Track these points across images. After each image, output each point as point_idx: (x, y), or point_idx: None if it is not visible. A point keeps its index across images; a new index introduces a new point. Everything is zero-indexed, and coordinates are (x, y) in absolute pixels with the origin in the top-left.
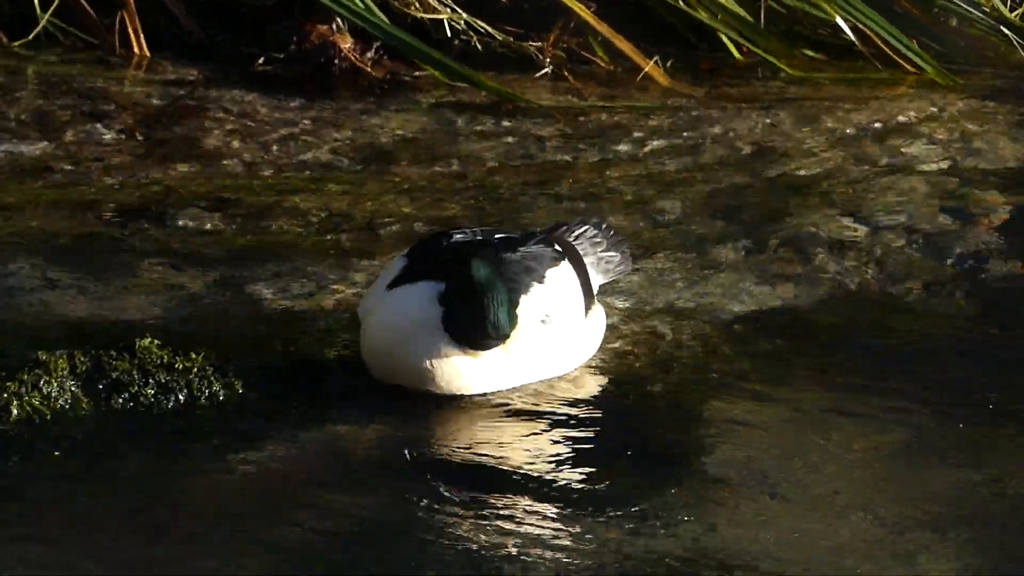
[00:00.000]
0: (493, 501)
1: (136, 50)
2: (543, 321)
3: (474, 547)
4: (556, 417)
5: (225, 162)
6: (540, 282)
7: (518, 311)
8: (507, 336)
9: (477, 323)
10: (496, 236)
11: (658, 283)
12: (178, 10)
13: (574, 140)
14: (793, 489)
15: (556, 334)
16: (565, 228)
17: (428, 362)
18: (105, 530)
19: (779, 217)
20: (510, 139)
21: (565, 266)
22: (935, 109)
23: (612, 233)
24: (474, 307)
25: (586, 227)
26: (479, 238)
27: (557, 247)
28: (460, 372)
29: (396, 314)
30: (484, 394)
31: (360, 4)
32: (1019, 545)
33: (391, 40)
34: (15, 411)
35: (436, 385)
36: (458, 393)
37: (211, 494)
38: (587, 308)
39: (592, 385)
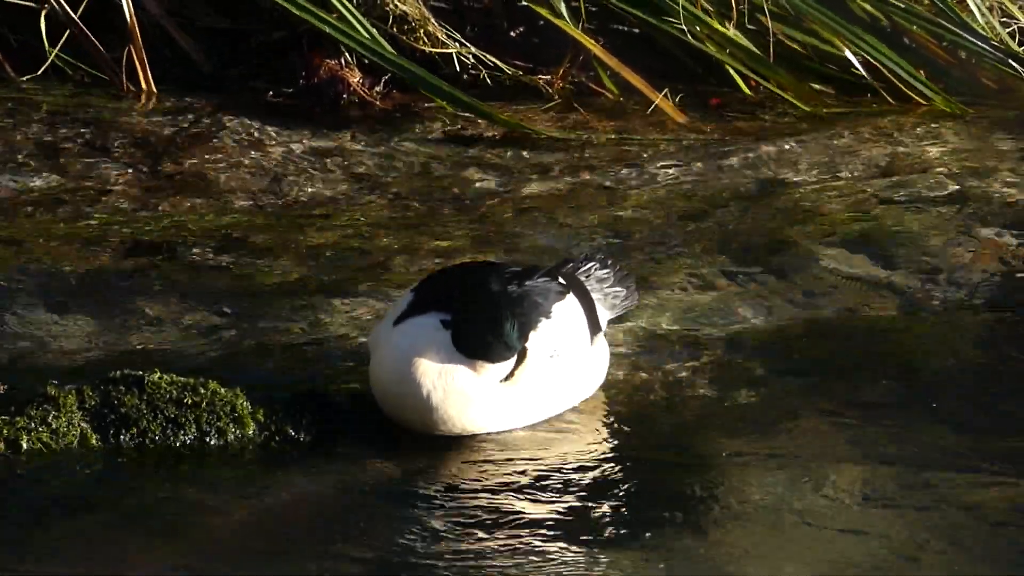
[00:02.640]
0: (500, 540)
1: (144, 86)
2: (551, 357)
3: None
4: (563, 453)
5: (233, 196)
6: (548, 317)
7: (527, 345)
8: (516, 350)
9: (489, 332)
10: (501, 269)
11: (665, 314)
12: (186, 44)
13: (582, 173)
14: (806, 520)
15: (563, 369)
16: (571, 264)
17: (435, 394)
18: (114, 563)
19: (788, 249)
20: (518, 172)
21: (571, 300)
22: (944, 140)
23: (618, 268)
24: (487, 317)
25: (592, 263)
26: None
27: (562, 281)
28: (467, 404)
29: (402, 346)
30: (491, 433)
31: (368, 37)
32: None
33: (402, 72)
34: (24, 445)
35: (443, 420)
36: (465, 431)
37: (220, 529)
38: (592, 341)
39: (599, 419)
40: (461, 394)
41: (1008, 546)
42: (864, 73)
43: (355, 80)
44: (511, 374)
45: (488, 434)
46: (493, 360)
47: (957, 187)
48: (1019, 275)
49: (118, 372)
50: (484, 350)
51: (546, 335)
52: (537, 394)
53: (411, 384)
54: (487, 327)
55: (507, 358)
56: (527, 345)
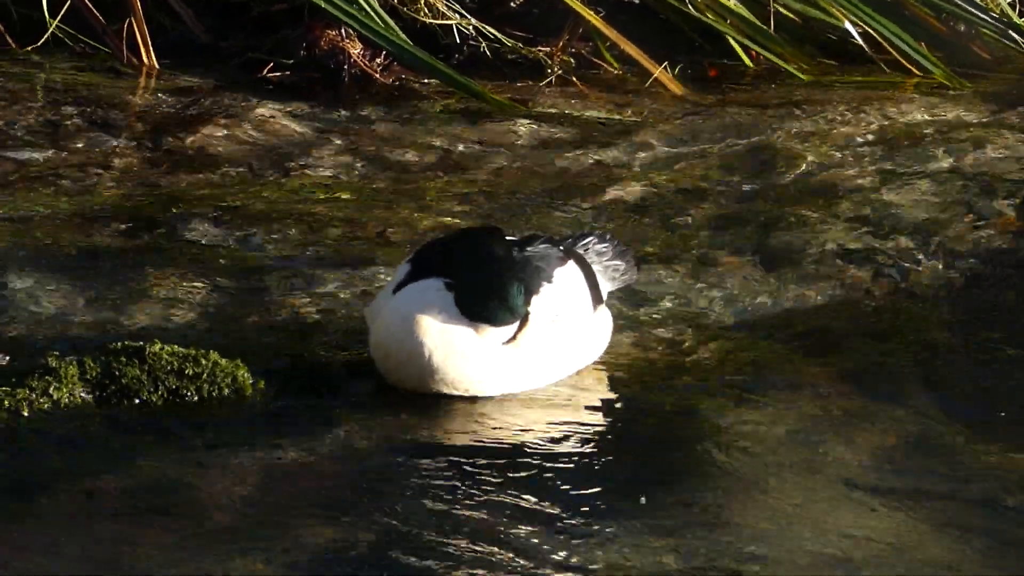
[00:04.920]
0: (500, 503)
1: (144, 58)
2: (553, 321)
3: (482, 556)
4: (564, 423)
5: (234, 170)
6: (550, 282)
7: (530, 309)
8: (521, 315)
9: (494, 295)
10: (502, 235)
11: (666, 289)
12: (186, 14)
13: (583, 146)
14: (803, 496)
15: (565, 333)
16: (571, 239)
17: (437, 353)
18: (118, 534)
19: (788, 222)
20: (520, 146)
21: (571, 265)
22: (943, 113)
23: (617, 243)
24: (492, 280)
25: (591, 238)
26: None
27: (561, 248)
28: (469, 366)
29: (405, 307)
30: (492, 397)
31: (369, 13)
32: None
33: (397, 51)
34: (26, 416)
35: (445, 382)
36: (466, 393)
37: (224, 499)
38: (595, 308)
39: (599, 392)
40: (462, 354)
41: (1008, 515)
42: (863, 44)
43: (356, 52)
44: (513, 337)
45: (488, 398)
46: (497, 323)
47: (954, 159)
48: (1013, 247)
49: (119, 343)
50: (488, 313)
51: (549, 299)
52: (538, 358)
53: (413, 343)
54: (492, 290)
55: (511, 321)
56: (530, 309)
